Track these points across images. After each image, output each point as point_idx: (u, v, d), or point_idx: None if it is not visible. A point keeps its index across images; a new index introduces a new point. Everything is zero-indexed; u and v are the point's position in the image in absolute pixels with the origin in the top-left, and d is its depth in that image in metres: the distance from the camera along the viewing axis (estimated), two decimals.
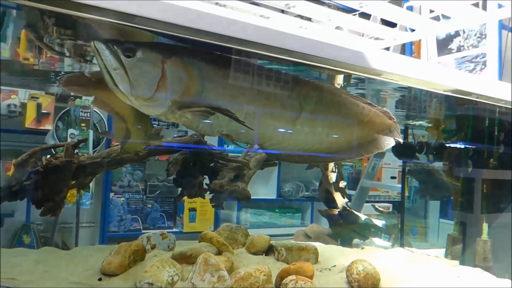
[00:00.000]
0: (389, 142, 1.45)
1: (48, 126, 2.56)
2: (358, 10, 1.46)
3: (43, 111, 2.57)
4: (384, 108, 1.45)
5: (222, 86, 1.08)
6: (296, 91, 1.21)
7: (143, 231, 3.07)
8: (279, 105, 1.19)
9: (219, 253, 1.23)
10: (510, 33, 1.99)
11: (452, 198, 2.00)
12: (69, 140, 2.39)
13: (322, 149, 1.32)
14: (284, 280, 1.06)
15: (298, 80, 1.25)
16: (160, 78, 0.96)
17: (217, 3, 1.21)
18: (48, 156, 1.36)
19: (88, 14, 0.71)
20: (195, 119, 1.06)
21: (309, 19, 1.59)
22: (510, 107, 1.32)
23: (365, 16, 1.51)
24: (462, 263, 1.54)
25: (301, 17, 1.60)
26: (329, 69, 1.11)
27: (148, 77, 0.96)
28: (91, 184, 2.64)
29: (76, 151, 1.41)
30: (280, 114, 1.20)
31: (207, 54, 1.04)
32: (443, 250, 1.83)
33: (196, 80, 1.01)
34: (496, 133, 1.65)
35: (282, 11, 1.56)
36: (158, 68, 0.96)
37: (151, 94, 0.96)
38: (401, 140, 1.46)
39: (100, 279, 1.07)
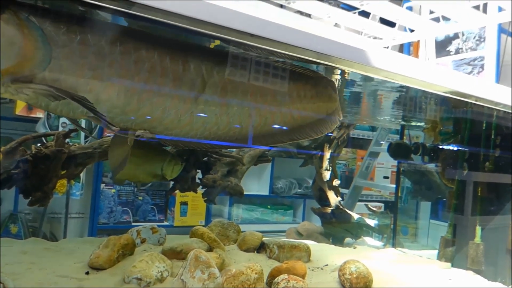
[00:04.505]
0: (336, 120, 1.25)
1: (40, 114, 2.52)
2: (357, 8, 1.44)
3: None
4: (332, 80, 1.24)
5: (80, 54, 0.84)
6: (196, 62, 0.97)
7: (133, 224, 3.04)
8: (169, 79, 0.95)
9: (210, 249, 1.21)
10: (509, 37, 1.99)
11: (444, 199, 2.01)
12: (60, 129, 2.35)
13: (244, 133, 1.11)
14: (276, 279, 1.05)
15: (199, 47, 1.02)
16: None
17: None
18: (38, 144, 1.33)
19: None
20: (40, 97, 0.85)
21: (309, 16, 1.58)
22: (508, 110, 1.31)
23: (364, 14, 1.49)
24: (455, 265, 1.54)
25: (301, 13, 1.58)
26: (326, 65, 1.04)
27: None
28: (82, 175, 2.61)
29: (67, 140, 1.38)
30: (171, 90, 0.97)
31: (59, 13, 0.84)
32: (434, 251, 1.83)
33: (39, 45, 0.79)
34: (492, 136, 1.64)
35: (281, 6, 1.53)
36: None
37: None
38: (340, 118, 1.26)
39: (87, 273, 1.04)
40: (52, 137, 1.37)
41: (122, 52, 0.89)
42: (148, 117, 0.97)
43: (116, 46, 0.89)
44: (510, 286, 1.40)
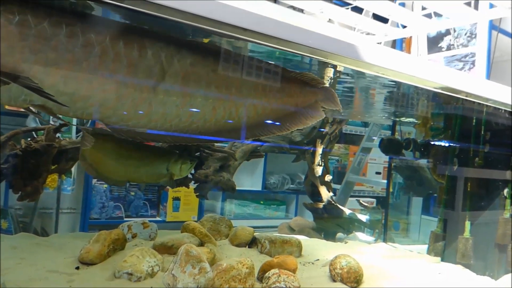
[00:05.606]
0: (316, 114, 1.17)
1: None
2: (350, 4, 1.44)
3: None
4: (310, 74, 1.16)
5: (20, 37, 0.78)
6: (154, 48, 0.91)
7: (125, 219, 3.03)
8: (123, 65, 0.88)
9: (201, 244, 1.21)
10: (500, 34, 2.00)
11: (435, 195, 2.02)
12: (51, 123, 2.32)
13: (209, 126, 1.04)
14: (267, 274, 1.05)
15: (158, 33, 0.95)
16: None
17: None
18: (29, 139, 1.32)
19: None
20: None
21: (302, 11, 1.57)
22: (498, 107, 1.33)
23: (357, 11, 1.49)
24: (444, 259, 1.56)
25: (294, 8, 1.57)
26: (319, 59, 1.03)
27: None
28: (73, 170, 2.58)
29: (58, 135, 1.37)
30: (126, 78, 0.89)
31: None
32: (425, 246, 1.85)
33: None
34: (482, 132, 1.66)
35: (275, 1, 1.53)
36: None
37: None
38: (339, 108, 1.19)
39: (77, 268, 1.04)
40: (42, 131, 1.36)
41: (68, 35, 0.82)
42: (100, 106, 0.91)
43: (61, 28, 0.81)
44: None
